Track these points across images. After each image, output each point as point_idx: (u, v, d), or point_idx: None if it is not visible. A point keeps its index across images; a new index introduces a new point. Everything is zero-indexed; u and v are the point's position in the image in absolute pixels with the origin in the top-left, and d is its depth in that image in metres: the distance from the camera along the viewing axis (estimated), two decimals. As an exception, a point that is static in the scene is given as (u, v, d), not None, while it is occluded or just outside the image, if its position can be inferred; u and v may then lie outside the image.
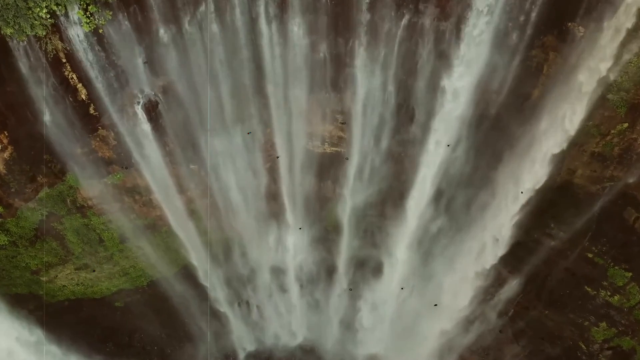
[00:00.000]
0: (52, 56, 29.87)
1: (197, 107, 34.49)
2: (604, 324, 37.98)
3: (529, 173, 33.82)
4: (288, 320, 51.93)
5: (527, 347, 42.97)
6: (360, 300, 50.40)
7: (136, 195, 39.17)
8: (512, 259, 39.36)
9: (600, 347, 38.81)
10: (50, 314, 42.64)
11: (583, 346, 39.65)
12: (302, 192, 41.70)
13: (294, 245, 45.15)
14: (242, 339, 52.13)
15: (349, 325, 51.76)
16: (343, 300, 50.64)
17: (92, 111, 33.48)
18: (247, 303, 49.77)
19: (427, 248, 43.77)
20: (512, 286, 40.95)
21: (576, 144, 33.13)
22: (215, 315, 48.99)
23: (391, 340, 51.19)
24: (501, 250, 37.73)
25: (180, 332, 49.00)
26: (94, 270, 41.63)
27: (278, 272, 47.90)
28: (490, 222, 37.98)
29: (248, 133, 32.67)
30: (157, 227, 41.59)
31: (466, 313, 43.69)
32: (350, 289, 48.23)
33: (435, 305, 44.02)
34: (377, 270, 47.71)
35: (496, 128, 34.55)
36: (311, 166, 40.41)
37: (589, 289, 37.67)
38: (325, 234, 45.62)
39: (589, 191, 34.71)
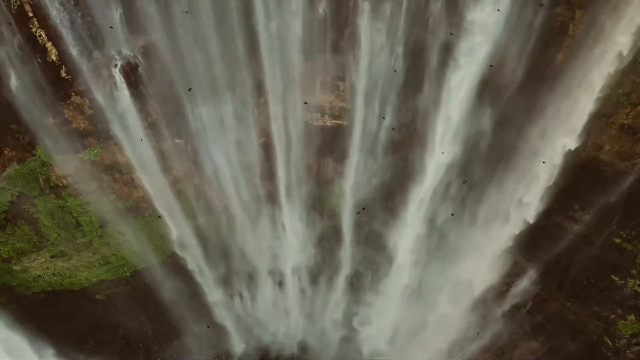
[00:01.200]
0: (15, 8, 26.56)
1: (183, 72, 31.17)
2: (632, 317, 34.87)
3: (551, 147, 31.02)
4: (285, 316, 48.95)
5: (546, 343, 39.93)
6: (362, 295, 47.58)
7: (116, 173, 35.82)
8: (531, 245, 36.59)
9: (628, 342, 35.78)
10: (25, 307, 39.42)
11: (608, 341, 36.67)
12: (299, 171, 38.46)
13: (290, 231, 41.98)
14: (236, 336, 48.84)
15: (349, 321, 48.90)
16: (343, 295, 47.71)
17: (63, 74, 30.04)
18: (241, 296, 46.63)
19: (438, 237, 40.88)
20: (531, 276, 37.96)
21: (604, 115, 30.20)
22: (206, 310, 45.73)
23: (394, 338, 48.23)
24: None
25: (168, 328, 45.74)
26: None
27: (274, 260, 44.75)
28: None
29: None
30: (140, 210, 38.27)
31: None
32: None
33: None
34: (380, 266, 44.88)
35: (515, 98, 31.56)
36: (310, 141, 37.19)
37: (616, 278, 34.65)
38: (326, 220, 42.44)
39: (617, 169, 31.89)
